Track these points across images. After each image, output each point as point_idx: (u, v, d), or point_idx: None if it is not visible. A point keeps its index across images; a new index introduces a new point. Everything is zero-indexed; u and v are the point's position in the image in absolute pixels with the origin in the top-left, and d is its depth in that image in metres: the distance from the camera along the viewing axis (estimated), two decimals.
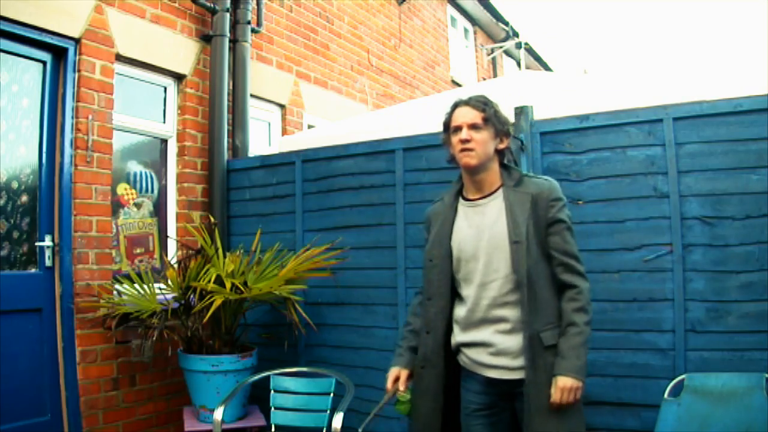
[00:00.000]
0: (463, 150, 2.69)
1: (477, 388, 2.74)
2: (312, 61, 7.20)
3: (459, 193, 2.86)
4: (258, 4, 6.21)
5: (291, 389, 4.19)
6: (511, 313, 2.63)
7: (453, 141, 2.75)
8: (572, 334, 2.60)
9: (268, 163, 5.26)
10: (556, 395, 2.53)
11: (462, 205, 2.81)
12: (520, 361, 2.61)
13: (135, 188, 5.16)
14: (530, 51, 14.02)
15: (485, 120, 2.70)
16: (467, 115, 2.72)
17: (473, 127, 2.69)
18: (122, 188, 5.03)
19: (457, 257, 2.73)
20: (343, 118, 7.13)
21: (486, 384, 2.71)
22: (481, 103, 2.74)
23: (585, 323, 2.63)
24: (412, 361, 2.87)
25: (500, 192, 2.74)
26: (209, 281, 4.21)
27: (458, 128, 2.72)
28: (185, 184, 5.43)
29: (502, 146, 2.76)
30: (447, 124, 2.83)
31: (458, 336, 2.77)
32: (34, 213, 4.36)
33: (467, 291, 2.71)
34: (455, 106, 2.81)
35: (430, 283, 2.80)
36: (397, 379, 2.88)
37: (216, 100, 5.55)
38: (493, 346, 2.65)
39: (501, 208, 2.69)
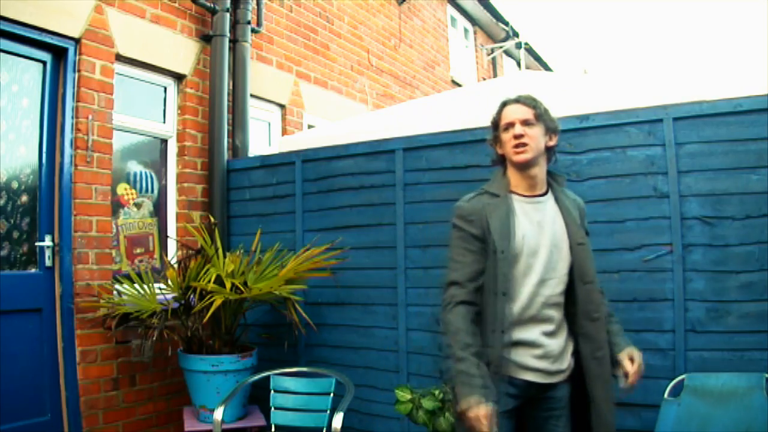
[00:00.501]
0: (517, 146, 2.65)
1: (512, 391, 2.57)
2: (312, 61, 7.20)
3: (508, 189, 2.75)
4: (258, 4, 6.21)
5: (291, 389, 4.19)
6: (557, 314, 2.64)
7: (504, 138, 2.71)
8: (615, 321, 2.82)
9: (268, 163, 5.26)
10: (637, 367, 2.66)
11: (518, 201, 2.70)
12: (557, 365, 2.61)
13: (135, 188, 5.16)
14: (530, 51, 14.02)
15: (537, 116, 2.68)
16: (518, 112, 2.69)
17: (526, 123, 2.66)
18: (122, 188, 5.03)
19: (518, 251, 2.60)
20: (343, 118, 7.12)
21: (522, 388, 2.60)
22: (532, 100, 2.72)
23: None
24: None
25: (551, 193, 2.77)
26: (209, 281, 4.21)
27: (510, 125, 2.68)
28: (185, 184, 5.43)
29: (551, 143, 2.73)
30: (496, 123, 2.78)
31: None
32: (34, 213, 4.36)
33: (521, 288, 2.60)
34: (504, 104, 2.77)
35: (505, 277, 2.57)
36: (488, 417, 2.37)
37: (216, 100, 5.55)
38: (541, 348, 2.59)
39: (556, 209, 2.73)
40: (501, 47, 12.93)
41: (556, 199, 2.76)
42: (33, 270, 4.34)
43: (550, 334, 2.61)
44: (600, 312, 2.66)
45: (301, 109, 6.92)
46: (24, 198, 4.31)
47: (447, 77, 10.79)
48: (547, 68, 15.31)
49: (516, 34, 12.90)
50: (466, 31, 12.20)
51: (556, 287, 2.62)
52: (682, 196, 3.60)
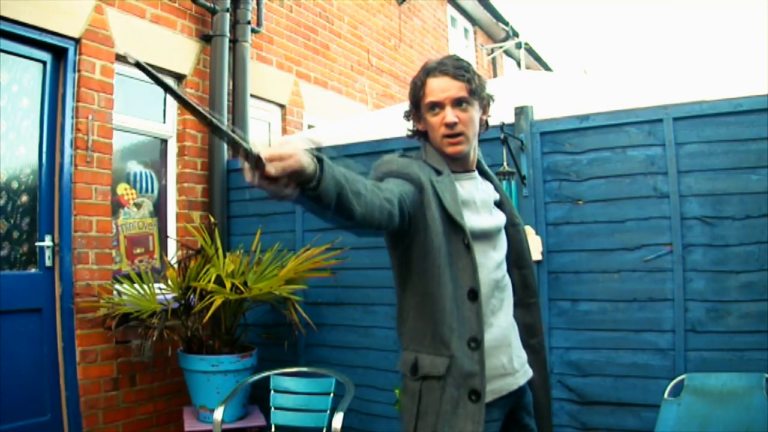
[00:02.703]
0: (449, 136, 2.12)
1: (495, 415, 2.18)
2: (312, 61, 7.20)
3: None
4: (258, 4, 6.21)
5: (291, 389, 4.19)
6: (510, 300, 2.30)
7: (431, 121, 2.16)
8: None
9: None
10: None
11: (455, 178, 2.19)
12: (523, 357, 2.32)
13: (135, 188, 5.16)
14: (530, 51, 14.01)
15: (472, 92, 2.12)
16: (449, 88, 2.10)
17: (458, 103, 2.10)
18: (122, 188, 5.03)
19: (476, 236, 2.15)
20: (343, 118, 7.13)
21: (503, 404, 2.22)
22: (463, 71, 2.11)
23: None
24: None
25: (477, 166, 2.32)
26: (209, 281, 4.21)
27: (438, 105, 2.12)
28: (185, 184, 5.43)
29: (485, 117, 2.25)
30: (418, 100, 2.20)
31: None
32: (34, 213, 4.35)
33: (483, 279, 2.12)
34: (427, 73, 2.16)
35: (474, 272, 2.08)
36: None
37: (216, 100, 5.55)
38: (510, 345, 2.23)
39: (488, 185, 2.35)
40: (501, 47, 12.92)
41: (485, 173, 2.34)
42: (33, 270, 4.33)
43: (509, 325, 2.20)
44: (535, 297, 2.35)
45: (301, 109, 6.92)
46: (24, 198, 4.31)
47: None
48: (547, 68, 15.31)
49: (516, 34, 12.90)
50: (466, 31, 12.19)
51: (504, 270, 2.22)
52: (682, 196, 3.61)
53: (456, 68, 2.12)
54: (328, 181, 1.53)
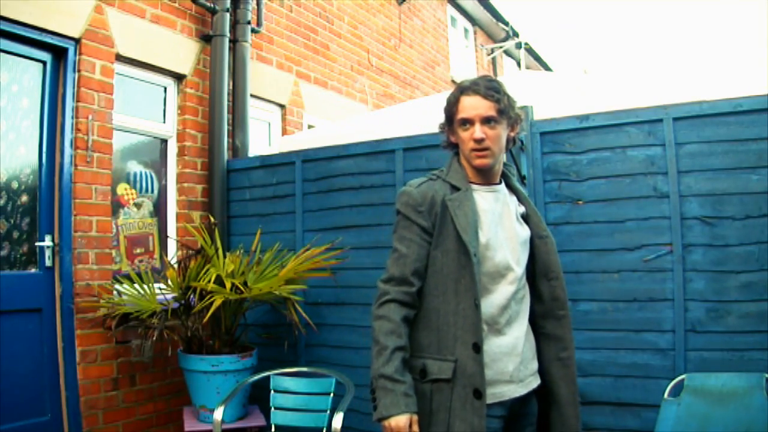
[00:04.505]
0: (477, 150, 2.31)
1: (498, 412, 2.34)
2: (312, 61, 7.20)
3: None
4: (258, 4, 6.21)
5: (291, 389, 4.19)
6: (526, 312, 2.43)
7: (461, 135, 2.35)
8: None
9: (268, 163, 5.25)
10: None
11: (476, 191, 2.40)
12: (531, 368, 2.43)
13: (135, 188, 5.16)
14: (530, 51, 14.01)
15: (500, 111, 2.31)
16: (479, 107, 2.29)
17: (487, 121, 2.29)
18: (122, 188, 5.03)
19: (487, 252, 2.33)
20: (343, 118, 7.13)
21: (504, 408, 2.37)
22: (494, 91, 2.30)
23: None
24: None
25: (504, 181, 2.51)
26: (209, 281, 4.21)
27: (468, 122, 2.32)
28: (185, 184, 5.43)
29: (513, 134, 2.44)
30: (451, 115, 2.40)
31: None
32: (34, 213, 4.36)
33: (492, 291, 2.34)
34: (461, 92, 2.35)
35: (478, 284, 2.27)
36: None
37: (216, 100, 5.55)
38: (518, 355, 2.36)
39: (513, 198, 2.50)
40: (501, 47, 12.92)
41: (512, 188, 2.51)
42: (33, 270, 4.33)
43: (522, 335, 2.35)
44: (565, 309, 2.43)
45: (301, 109, 6.92)
46: (24, 198, 4.31)
47: (447, 77, 10.78)
48: (547, 68, 15.31)
49: (516, 34, 12.91)
50: (466, 31, 12.20)
51: (521, 283, 2.36)
52: (682, 196, 3.60)
53: (487, 89, 2.32)
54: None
